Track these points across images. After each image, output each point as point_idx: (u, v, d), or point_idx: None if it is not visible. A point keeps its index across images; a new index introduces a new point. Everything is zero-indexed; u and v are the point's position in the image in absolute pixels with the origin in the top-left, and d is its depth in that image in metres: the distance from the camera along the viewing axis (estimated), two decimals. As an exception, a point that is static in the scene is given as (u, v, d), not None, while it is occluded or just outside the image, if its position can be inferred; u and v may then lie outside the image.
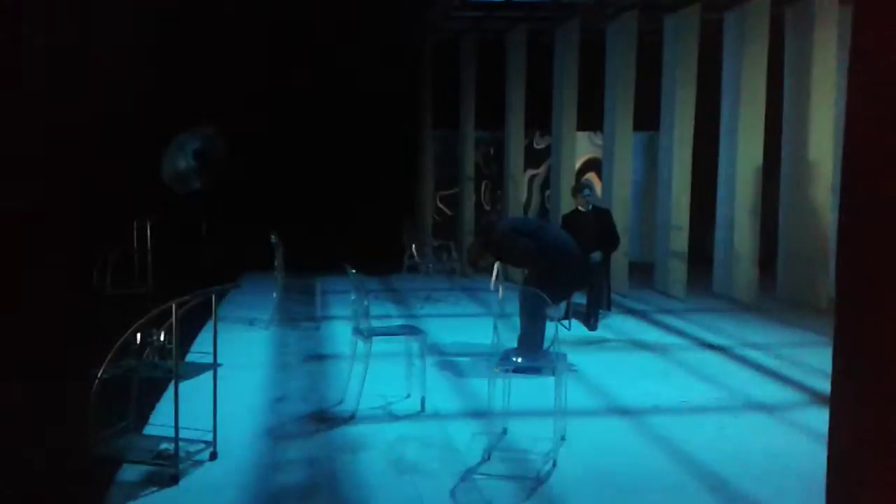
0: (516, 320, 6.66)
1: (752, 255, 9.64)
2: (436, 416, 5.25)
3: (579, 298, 8.17)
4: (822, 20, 9.08)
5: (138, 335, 4.19)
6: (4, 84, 7.51)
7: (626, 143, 10.62)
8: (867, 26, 2.00)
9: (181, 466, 4.11)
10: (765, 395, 5.78)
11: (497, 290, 7.94)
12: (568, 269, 6.51)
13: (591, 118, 11.61)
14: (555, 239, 6.70)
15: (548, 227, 7.45)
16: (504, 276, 8.26)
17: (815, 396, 5.76)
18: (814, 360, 6.73)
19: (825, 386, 5.85)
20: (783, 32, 9.66)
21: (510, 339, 6.16)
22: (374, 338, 5.38)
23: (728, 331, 8.03)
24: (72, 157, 8.71)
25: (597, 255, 7.95)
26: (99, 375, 4.08)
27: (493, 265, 7.72)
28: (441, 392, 5.72)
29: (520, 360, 5.09)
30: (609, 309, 8.72)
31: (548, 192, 12.63)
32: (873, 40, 1.97)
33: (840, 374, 2.17)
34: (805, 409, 5.48)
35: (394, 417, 5.22)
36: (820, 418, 5.17)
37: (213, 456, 4.35)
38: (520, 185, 12.23)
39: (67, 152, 8.64)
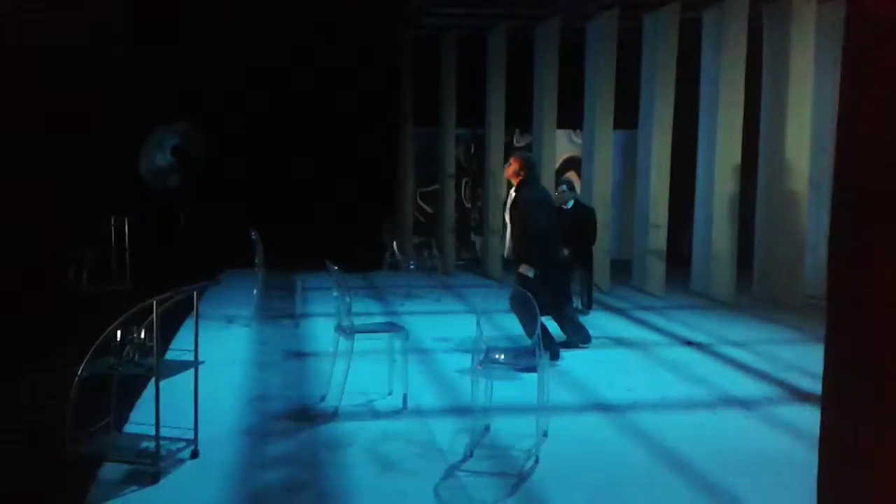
0: (497, 317, 6.66)
1: (729, 253, 9.73)
2: (418, 413, 5.25)
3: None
4: (799, 19, 9.18)
5: (118, 333, 4.15)
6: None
7: (605, 141, 10.68)
8: (859, 24, 2.02)
9: (162, 465, 4.08)
10: (743, 391, 5.85)
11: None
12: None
13: (570, 117, 11.65)
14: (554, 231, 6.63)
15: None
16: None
17: (792, 392, 5.84)
18: (791, 357, 6.82)
19: (802, 382, 5.98)
20: (761, 31, 9.76)
21: (493, 337, 6.15)
22: (357, 335, 5.38)
23: (706, 328, 8.10)
24: (47, 155, 8.62)
25: (564, 252, 7.63)
26: (79, 373, 4.04)
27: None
28: (423, 389, 5.72)
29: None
30: (590, 308, 8.77)
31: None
32: (865, 37, 2.00)
33: (832, 374, 2.18)
34: (782, 404, 5.55)
35: (376, 415, 5.22)
36: (797, 414, 5.25)
37: (195, 454, 4.32)
38: (500, 182, 12.24)
39: (43, 150, 8.54)
